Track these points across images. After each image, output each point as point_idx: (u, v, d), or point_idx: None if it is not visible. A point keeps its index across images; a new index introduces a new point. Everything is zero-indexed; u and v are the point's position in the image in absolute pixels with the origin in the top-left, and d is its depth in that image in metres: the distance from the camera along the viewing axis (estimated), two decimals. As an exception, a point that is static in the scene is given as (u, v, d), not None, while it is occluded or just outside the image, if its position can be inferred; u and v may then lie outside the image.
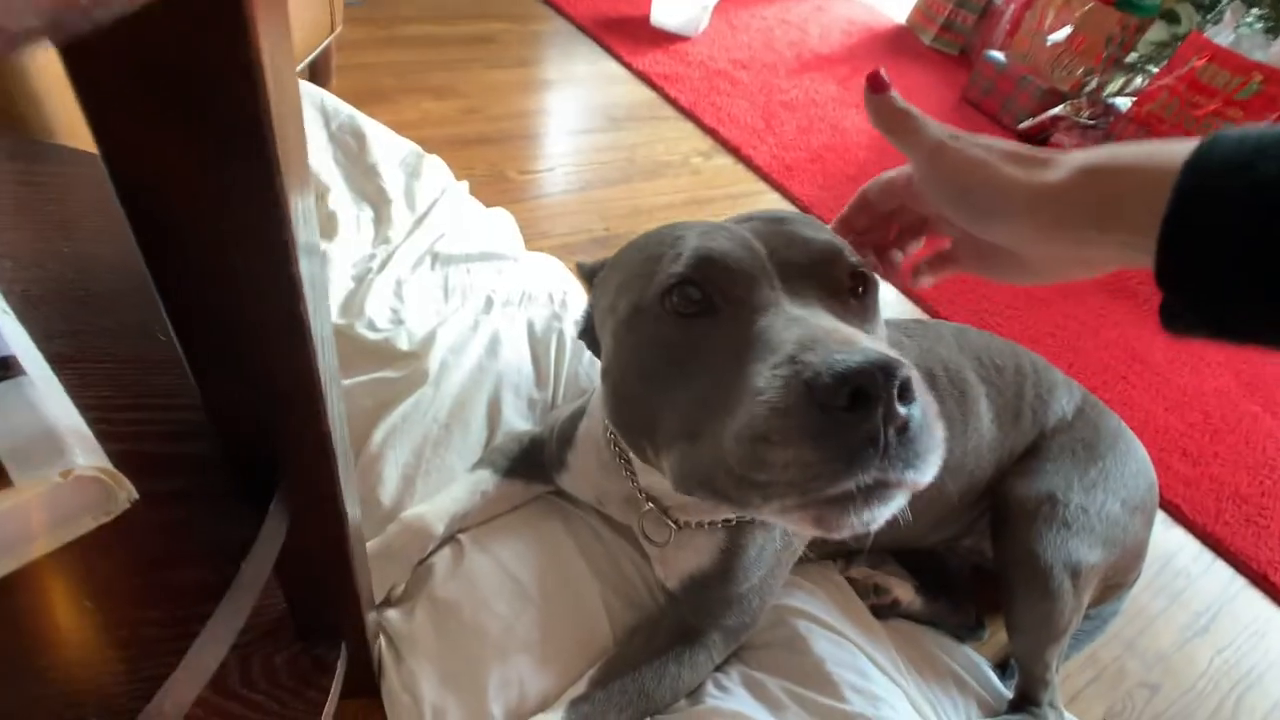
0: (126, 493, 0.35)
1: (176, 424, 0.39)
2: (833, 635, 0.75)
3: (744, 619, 0.69)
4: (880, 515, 0.38)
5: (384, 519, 0.74)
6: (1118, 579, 0.83)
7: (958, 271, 0.53)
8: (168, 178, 0.25)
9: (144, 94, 0.23)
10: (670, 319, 0.47)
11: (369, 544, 0.71)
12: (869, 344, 0.38)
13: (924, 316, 1.37)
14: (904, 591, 0.84)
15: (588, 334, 0.63)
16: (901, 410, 0.36)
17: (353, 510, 0.47)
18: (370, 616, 0.63)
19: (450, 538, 0.75)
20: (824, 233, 0.51)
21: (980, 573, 0.93)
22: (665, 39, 2.14)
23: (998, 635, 0.89)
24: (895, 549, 0.90)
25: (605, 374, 0.54)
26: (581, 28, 2.11)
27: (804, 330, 0.40)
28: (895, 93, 0.48)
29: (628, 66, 1.97)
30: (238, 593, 0.34)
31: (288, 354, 0.33)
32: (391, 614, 0.69)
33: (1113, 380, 1.33)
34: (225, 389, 0.34)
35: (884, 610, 0.83)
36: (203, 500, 0.37)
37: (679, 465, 0.45)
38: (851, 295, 0.49)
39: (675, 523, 0.65)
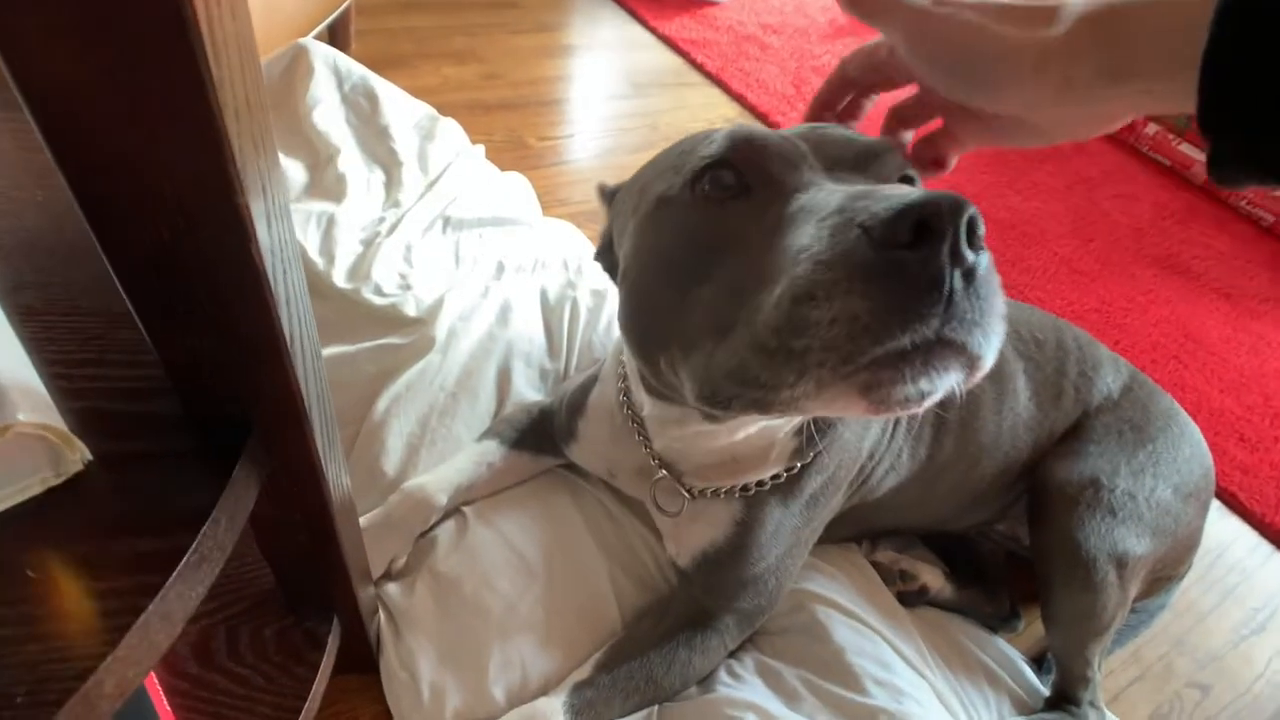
0: (79, 453, 0.32)
1: (141, 380, 0.36)
2: (854, 623, 0.71)
3: (759, 601, 0.65)
4: (939, 384, 0.33)
5: (387, 489, 0.71)
6: (1167, 571, 0.77)
7: (963, 150, 0.48)
8: (71, 81, 0.21)
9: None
10: (700, 205, 0.42)
11: (370, 514, 0.68)
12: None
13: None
14: (933, 578, 0.80)
15: (605, 254, 0.58)
16: (969, 254, 0.31)
17: (337, 478, 0.44)
18: (368, 590, 0.61)
19: (454, 510, 0.73)
20: (870, 137, 0.46)
21: (1015, 559, 0.88)
22: (693, 3, 2.07)
23: (1034, 627, 0.84)
24: (924, 533, 0.86)
25: (623, 277, 0.49)
26: (607, -9, 2.04)
27: (853, 189, 0.36)
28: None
29: (653, 31, 1.90)
30: (193, 565, 0.31)
31: (244, 302, 0.29)
32: (391, 587, 0.67)
33: (1163, 360, 1.26)
34: (179, 342, 0.31)
35: (911, 597, 0.79)
36: (166, 463, 0.34)
37: (703, 368, 0.40)
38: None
39: (689, 492, 0.61)
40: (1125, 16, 0.34)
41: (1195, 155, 1.75)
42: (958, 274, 0.31)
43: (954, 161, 0.48)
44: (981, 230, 0.32)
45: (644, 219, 0.47)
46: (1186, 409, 0.82)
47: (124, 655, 0.28)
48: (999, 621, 0.82)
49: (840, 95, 0.51)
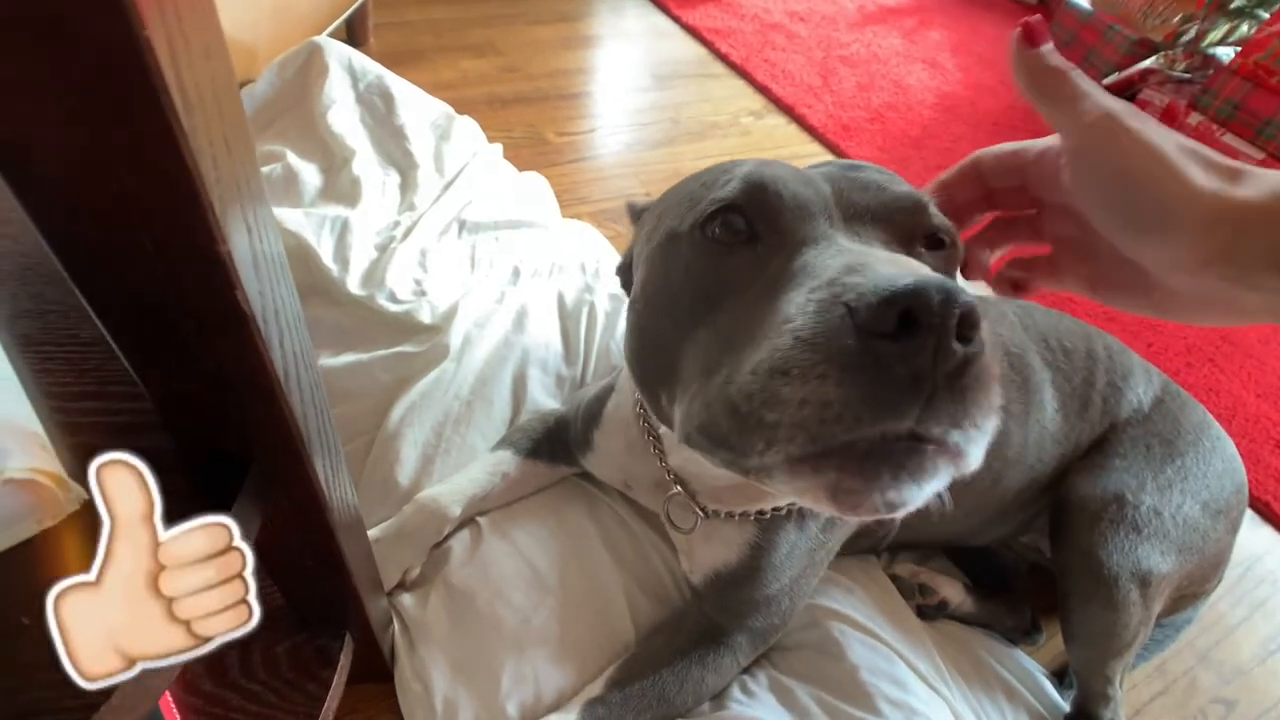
0: (74, 495, 0.31)
1: (139, 414, 0.36)
2: (869, 640, 0.70)
3: (772, 621, 0.64)
4: (911, 494, 0.31)
5: (402, 499, 0.71)
6: (1194, 588, 0.74)
7: (1056, 288, 0.44)
8: (38, 138, 0.20)
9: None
10: (707, 247, 0.41)
11: (383, 525, 0.68)
12: (930, 272, 0.30)
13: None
14: (953, 591, 0.78)
15: (624, 272, 0.57)
16: (959, 348, 0.29)
17: (341, 500, 0.43)
18: (380, 603, 0.61)
19: (468, 520, 0.72)
20: (906, 185, 0.43)
21: (1039, 570, 0.86)
22: (718, -10, 2.03)
23: (1056, 639, 0.82)
24: (945, 544, 0.84)
25: (631, 306, 0.49)
26: (629, -20, 2.01)
27: (853, 257, 0.34)
28: (1051, 46, 0.38)
29: (677, 20, 1.87)
30: (189, 607, 0.30)
31: (229, 344, 0.28)
32: (406, 598, 0.67)
33: (1198, 363, 1.21)
34: (168, 384, 0.30)
35: (930, 611, 0.77)
36: (165, 500, 0.34)
37: (686, 407, 0.39)
38: (925, 248, 0.42)
39: (703, 510, 0.60)
40: None
41: (1239, 146, 1.68)
42: (943, 372, 0.29)
43: (1036, 291, 0.45)
44: (978, 323, 0.29)
45: (654, 251, 0.46)
46: (1220, 415, 0.79)
47: (119, 704, 0.28)
48: (1020, 635, 0.80)
49: (965, 187, 0.46)
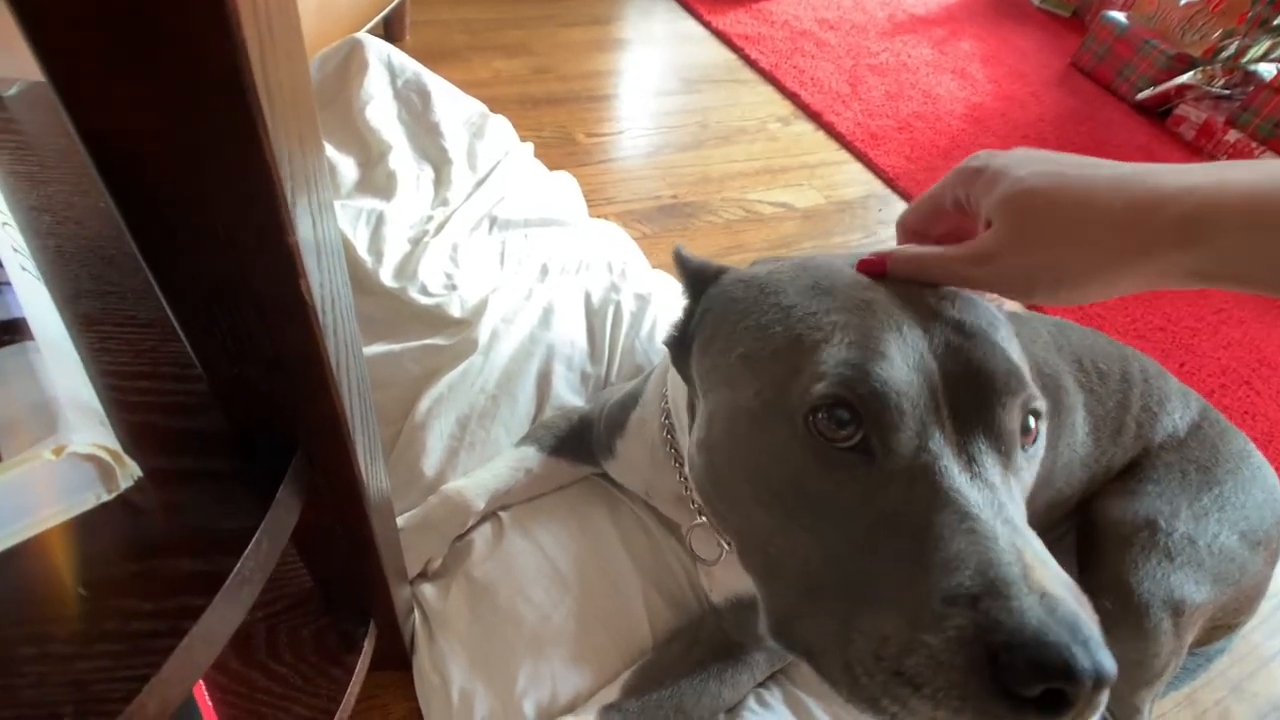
0: (130, 471, 0.32)
1: (191, 395, 0.37)
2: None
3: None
4: None
5: (427, 489, 0.72)
6: (1228, 619, 0.73)
7: None
8: (130, 128, 0.21)
9: (94, 22, 0.19)
10: (811, 441, 0.38)
11: (408, 515, 0.69)
12: (1065, 592, 0.32)
13: (1018, 309, 1.26)
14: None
15: (679, 346, 0.51)
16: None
17: (376, 487, 0.44)
18: (404, 591, 0.61)
19: (491, 514, 0.73)
20: (1011, 354, 0.41)
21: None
22: (749, -3, 2.03)
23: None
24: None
25: (704, 445, 0.45)
26: (661, -16, 2.02)
27: (986, 552, 0.33)
28: (900, 251, 0.44)
29: (707, 26, 1.88)
30: (235, 587, 0.31)
31: (290, 330, 0.29)
32: (427, 589, 0.68)
33: (1233, 385, 1.19)
34: (225, 363, 0.31)
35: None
36: (212, 482, 0.35)
37: (778, 606, 0.40)
38: (1021, 444, 0.40)
39: (728, 541, 0.59)
40: (1215, 221, 0.33)
41: None
42: None
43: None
44: (1112, 680, 0.30)
45: (742, 414, 0.42)
46: (1258, 439, 0.78)
47: (167, 677, 0.29)
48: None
49: (933, 221, 0.48)
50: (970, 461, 0.37)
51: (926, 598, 0.32)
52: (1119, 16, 2.02)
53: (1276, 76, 1.70)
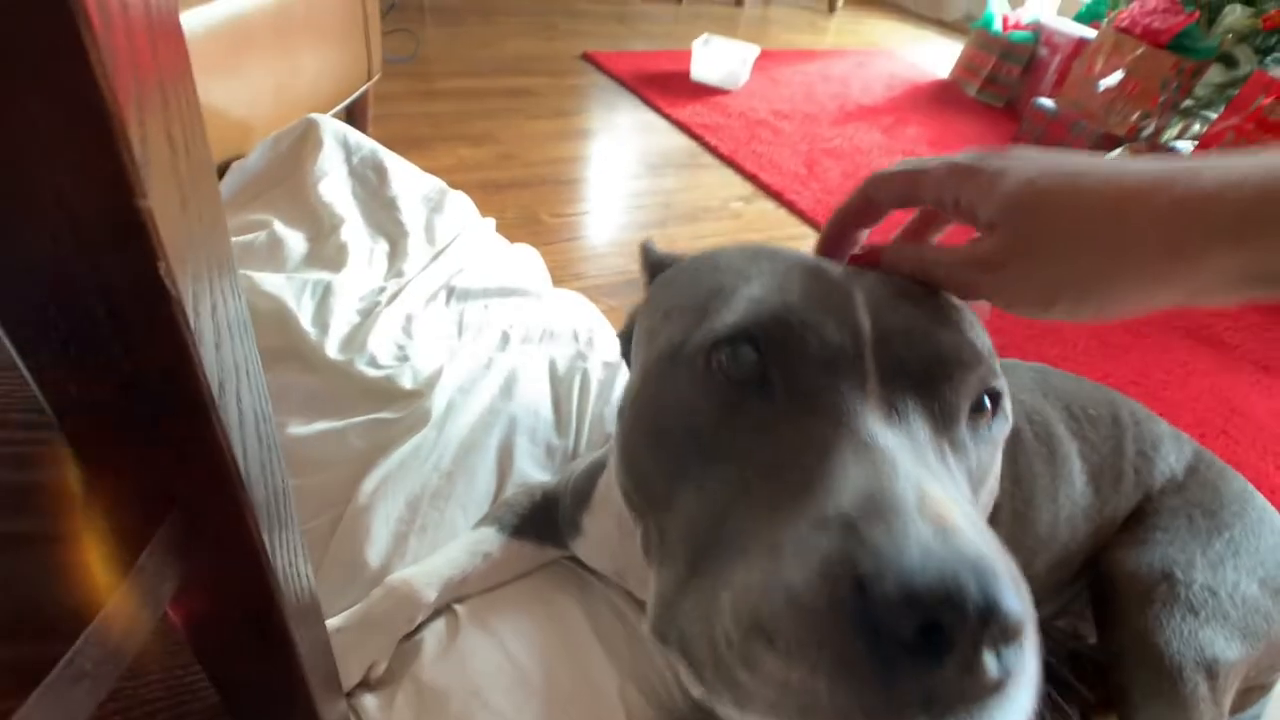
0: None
1: (39, 443, 0.30)
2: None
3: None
4: None
5: (370, 582, 0.63)
6: (1259, 679, 0.67)
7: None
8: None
9: None
10: (711, 379, 0.34)
11: (347, 613, 0.60)
12: (972, 530, 0.25)
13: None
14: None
15: (626, 341, 0.50)
16: (992, 669, 0.23)
17: (289, 565, 0.36)
18: (336, 707, 0.51)
19: (444, 608, 0.64)
20: (964, 328, 0.36)
21: (1081, 660, 0.77)
22: (706, 92, 2.12)
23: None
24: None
25: (620, 412, 0.42)
26: (621, 82, 2.10)
27: (878, 477, 0.27)
28: (897, 245, 0.41)
29: (667, 117, 1.94)
30: (66, 680, 0.23)
31: (151, 334, 0.23)
32: (368, 700, 0.58)
33: (1211, 435, 1.18)
34: (74, 390, 0.24)
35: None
36: (59, 548, 0.27)
37: (663, 592, 0.33)
38: (970, 425, 0.35)
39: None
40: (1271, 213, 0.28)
41: None
42: (964, 689, 0.23)
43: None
44: (1020, 631, 0.24)
45: (652, 361, 0.39)
46: (1245, 489, 0.73)
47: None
48: (1069, 735, 0.71)
49: (866, 219, 0.44)
50: (891, 411, 0.32)
51: (798, 528, 0.26)
52: (1048, 103, 2.15)
53: (1194, 151, 1.80)
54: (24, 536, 0.27)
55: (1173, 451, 0.71)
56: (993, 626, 0.23)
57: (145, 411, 0.25)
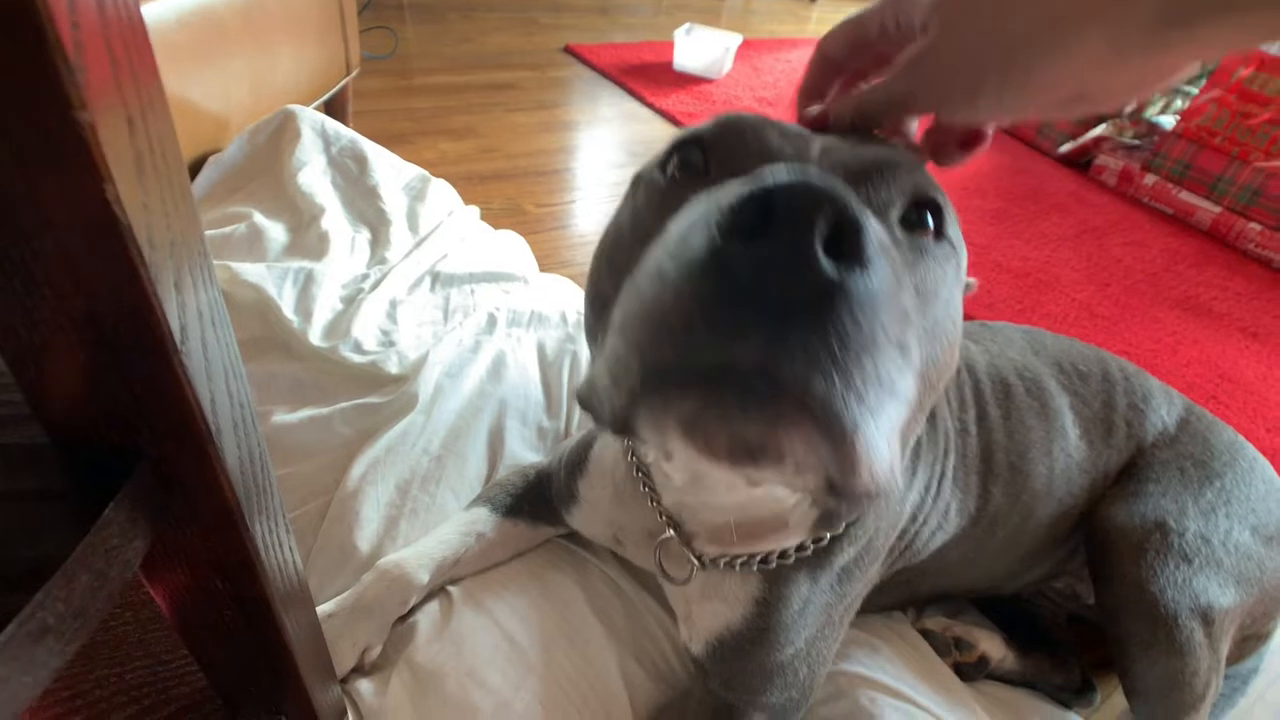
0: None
1: (7, 405, 0.29)
2: (906, 707, 0.60)
3: (791, 694, 0.54)
4: (771, 438, 0.24)
5: (361, 567, 0.62)
6: (1256, 628, 0.67)
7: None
8: None
9: None
10: (657, 185, 0.37)
11: (338, 598, 0.59)
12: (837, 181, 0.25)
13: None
14: (992, 646, 0.69)
15: None
16: (825, 263, 0.22)
17: (272, 542, 0.35)
18: (329, 691, 0.50)
19: (438, 590, 0.63)
20: (900, 150, 0.37)
21: (1079, 621, 0.77)
22: (688, 81, 2.11)
23: (1112, 701, 0.72)
24: (974, 596, 0.75)
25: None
26: (604, 73, 2.09)
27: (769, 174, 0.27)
28: (828, 108, 0.40)
29: (650, 106, 1.93)
30: (29, 636, 0.22)
31: (105, 270, 0.22)
32: (363, 684, 0.57)
33: (1201, 401, 1.18)
34: (22, 327, 0.23)
35: (970, 670, 0.68)
36: (22, 505, 0.26)
37: (592, 367, 0.34)
38: (906, 233, 0.35)
39: (699, 559, 0.52)
40: None
41: (1197, 202, 1.76)
42: (803, 289, 0.23)
43: (991, 131, 0.40)
44: (865, 238, 0.23)
45: (621, 207, 0.41)
46: (1236, 451, 0.73)
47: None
48: (1072, 694, 0.71)
49: (826, 81, 0.44)
50: None
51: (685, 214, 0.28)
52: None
53: (1177, 125, 1.80)
54: (-13, 495, 0.26)
55: (1164, 405, 0.71)
56: (819, 210, 0.22)
57: (103, 359, 0.24)
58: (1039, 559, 0.68)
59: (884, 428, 0.25)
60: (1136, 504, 0.64)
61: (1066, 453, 0.65)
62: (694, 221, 0.26)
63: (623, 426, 0.27)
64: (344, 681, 0.58)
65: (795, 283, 0.23)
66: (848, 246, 0.23)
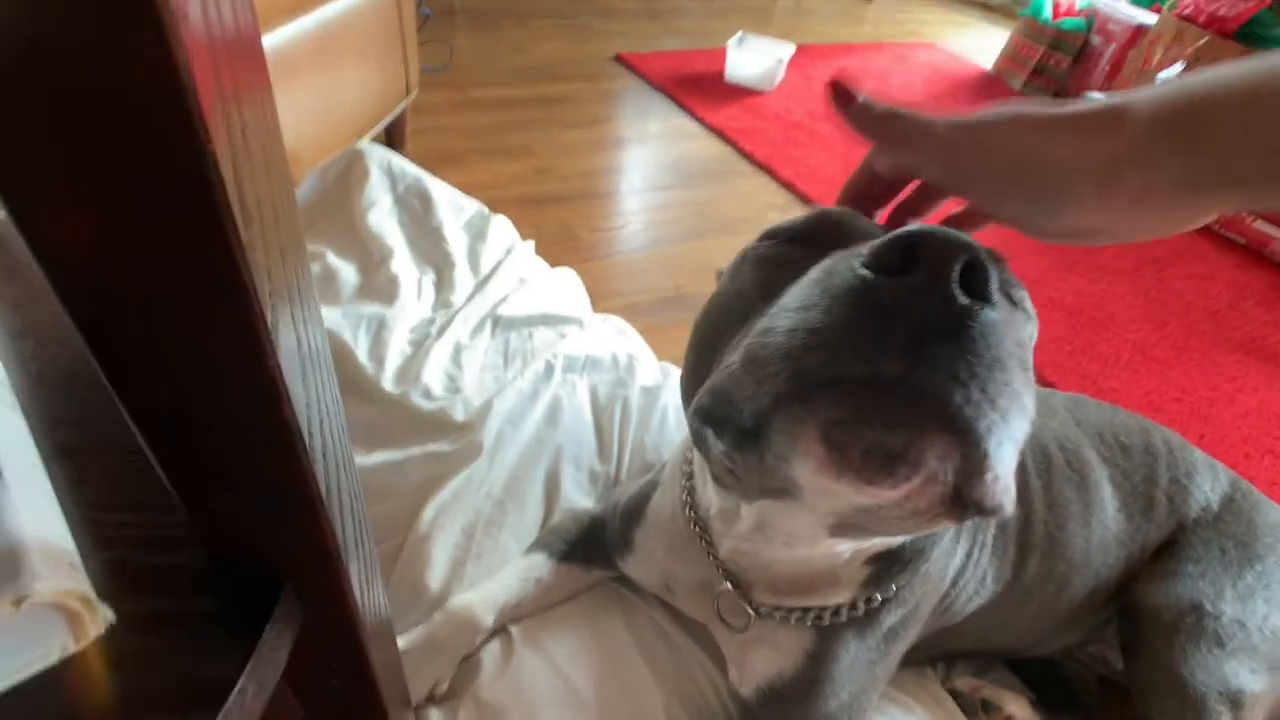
0: (101, 617, 0.29)
1: (174, 528, 0.34)
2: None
3: (831, 746, 0.58)
4: (909, 445, 0.28)
5: (431, 605, 0.68)
6: (1286, 712, 0.67)
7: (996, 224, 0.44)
8: (86, 246, 0.20)
9: (46, 133, 0.18)
10: (763, 251, 0.42)
11: (411, 634, 0.65)
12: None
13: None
14: (1019, 708, 0.71)
15: None
16: (959, 297, 0.27)
17: (374, 613, 0.41)
18: (407, 719, 0.56)
19: (500, 629, 0.68)
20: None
21: (1107, 684, 0.79)
22: (740, 93, 2.12)
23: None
24: (1005, 656, 0.77)
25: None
26: (655, 85, 2.11)
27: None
28: (866, 97, 0.43)
29: (701, 122, 1.95)
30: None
31: (274, 457, 0.27)
32: (434, 714, 0.63)
33: (1256, 455, 1.15)
34: (204, 494, 0.29)
35: (997, 732, 0.70)
36: (191, 624, 0.32)
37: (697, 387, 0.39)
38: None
39: (756, 610, 0.56)
40: (1209, 115, 0.31)
41: (1272, 232, 1.66)
42: (943, 317, 0.28)
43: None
44: (991, 279, 0.28)
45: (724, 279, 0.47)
46: (1287, 513, 0.73)
47: None
48: (1098, 761, 0.73)
49: (871, 186, 0.49)
50: None
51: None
52: (1099, 96, 2.09)
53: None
54: (163, 615, 0.31)
55: (1208, 480, 0.71)
56: (958, 257, 0.27)
57: (266, 514, 0.30)
58: (1072, 627, 0.70)
59: (1011, 437, 0.30)
60: (1174, 584, 0.65)
61: (1104, 525, 0.66)
62: (837, 262, 0.31)
63: (755, 431, 0.32)
64: (415, 710, 0.64)
65: (937, 309, 0.28)
66: (978, 286, 0.28)
